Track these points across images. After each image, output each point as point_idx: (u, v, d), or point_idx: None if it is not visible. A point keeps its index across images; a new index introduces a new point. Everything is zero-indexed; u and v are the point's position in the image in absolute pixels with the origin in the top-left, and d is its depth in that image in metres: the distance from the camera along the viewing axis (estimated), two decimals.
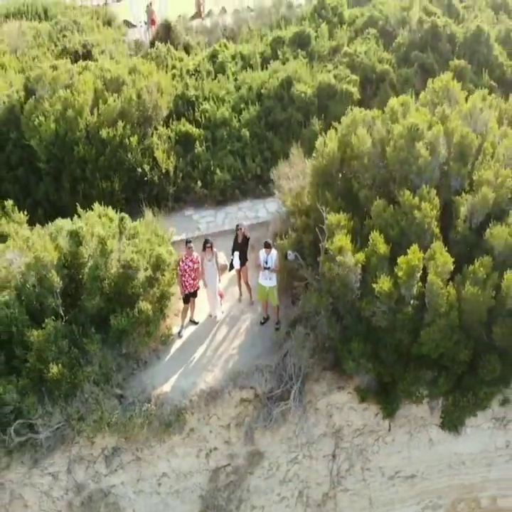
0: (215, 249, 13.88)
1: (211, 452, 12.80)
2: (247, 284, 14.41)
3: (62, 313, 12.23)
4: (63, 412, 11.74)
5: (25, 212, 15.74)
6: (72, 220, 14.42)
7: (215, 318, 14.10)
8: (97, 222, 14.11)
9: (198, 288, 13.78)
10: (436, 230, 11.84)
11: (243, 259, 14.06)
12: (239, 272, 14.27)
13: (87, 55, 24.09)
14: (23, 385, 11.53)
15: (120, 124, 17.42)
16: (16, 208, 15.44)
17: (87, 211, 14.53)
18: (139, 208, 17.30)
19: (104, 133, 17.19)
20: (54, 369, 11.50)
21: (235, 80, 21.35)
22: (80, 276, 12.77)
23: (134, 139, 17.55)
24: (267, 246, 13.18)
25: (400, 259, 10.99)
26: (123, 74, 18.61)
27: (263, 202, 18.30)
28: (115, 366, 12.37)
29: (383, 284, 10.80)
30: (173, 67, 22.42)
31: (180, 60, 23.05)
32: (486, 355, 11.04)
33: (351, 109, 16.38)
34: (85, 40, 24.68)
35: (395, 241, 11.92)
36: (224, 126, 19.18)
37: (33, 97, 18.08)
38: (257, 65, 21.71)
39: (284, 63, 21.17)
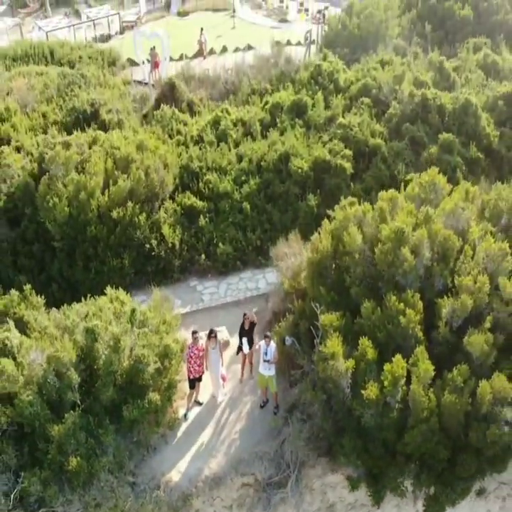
0: (218, 338, 15.11)
1: None
2: (251, 363, 15.66)
3: (79, 403, 13.45)
4: (81, 500, 12.97)
5: (40, 287, 17.05)
6: (85, 298, 15.80)
7: (217, 400, 15.32)
8: (109, 309, 15.38)
9: (203, 373, 15.02)
10: (420, 334, 13.08)
11: (250, 344, 15.30)
12: (244, 354, 15.52)
13: (95, 114, 25.32)
14: (46, 476, 12.75)
15: (129, 204, 18.66)
16: (33, 290, 16.59)
17: (99, 286, 15.88)
18: (147, 280, 18.63)
19: (114, 213, 18.45)
20: (73, 462, 12.72)
21: (236, 147, 22.57)
22: (95, 367, 14.00)
23: (142, 217, 18.82)
24: (267, 338, 14.41)
25: (386, 368, 12.24)
26: (132, 152, 19.82)
27: (263, 272, 19.58)
28: (127, 454, 13.61)
29: (371, 391, 12.05)
30: (178, 132, 23.65)
31: (185, 124, 24.27)
32: (463, 454, 12.27)
33: (344, 184, 17.72)
34: (93, 99, 25.80)
35: (382, 342, 13.16)
36: (226, 199, 20.43)
37: (47, 174, 19.28)
38: (256, 133, 22.92)
39: (282, 133, 22.41)
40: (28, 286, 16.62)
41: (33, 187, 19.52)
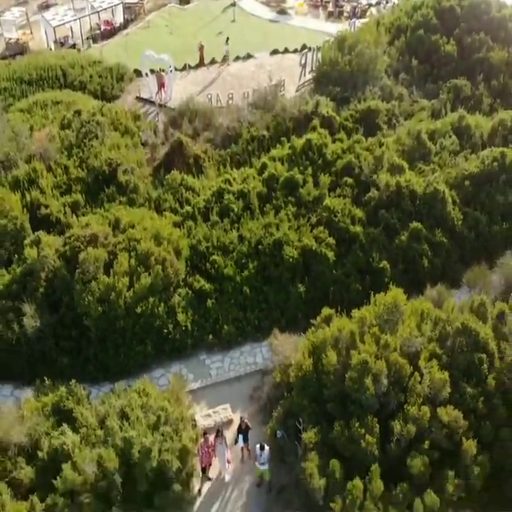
0: (224, 436, 19.72)
1: None
2: (248, 450, 20.33)
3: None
4: None
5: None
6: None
7: (224, 478, 20.11)
8: (137, 404, 19.89)
9: (212, 462, 19.74)
10: (376, 452, 17.66)
11: (246, 440, 19.90)
12: (242, 447, 20.19)
13: (113, 173, 28.94)
14: None
15: (150, 299, 22.80)
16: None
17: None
18: (166, 356, 23.12)
19: (139, 309, 22.61)
20: None
21: (238, 221, 26.36)
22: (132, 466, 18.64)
23: (161, 308, 23.02)
24: (262, 448, 18.99)
25: (349, 486, 16.91)
26: (150, 247, 23.68)
27: (260, 346, 23.89)
28: None
29: (337, 505, 16.77)
30: (187, 201, 27.40)
31: (192, 190, 27.94)
32: None
33: (328, 270, 22.26)
34: (110, 159, 29.32)
35: (347, 458, 17.80)
36: (229, 281, 24.48)
37: (80, 269, 23.23)
38: (255, 207, 26.68)
39: (277, 211, 26.20)
40: (73, 381, 21.05)
41: (68, 278, 23.52)
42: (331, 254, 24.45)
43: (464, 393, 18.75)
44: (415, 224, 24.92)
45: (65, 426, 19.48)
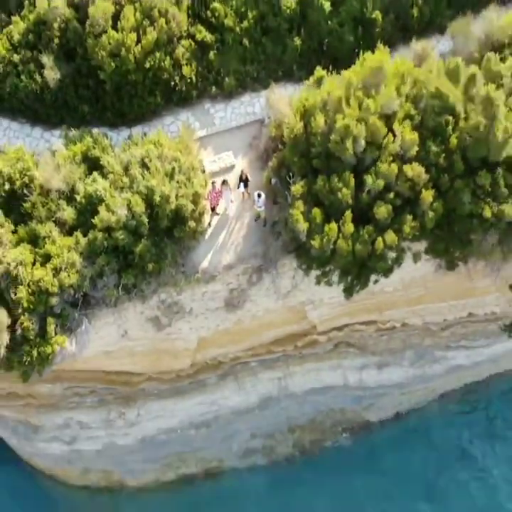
0: (228, 183, 23.84)
1: (229, 285, 25.11)
2: (248, 194, 24.62)
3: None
4: (157, 282, 23.64)
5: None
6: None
7: (228, 213, 24.81)
8: (154, 153, 23.68)
9: (218, 203, 24.22)
10: (350, 201, 21.90)
11: (245, 186, 24.05)
12: (242, 192, 24.46)
13: None
14: (136, 273, 23.09)
15: (157, 54, 24.91)
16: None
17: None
18: (174, 104, 26.19)
19: (147, 63, 24.88)
20: (150, 265, 22.92)
21: None
22: (155, 210, 22.97)
23: (167, 62, 25.25)
24: (259, 195, 23.19)
25: (326, 228, 21.55)
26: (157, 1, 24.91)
27: (258, 96, 26.62)
28: (179, 256, 23.77)
29: (316, 242, 21.58)
30: None
31: None
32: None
33: (323, 19, 24.39)
34: None
35: (327, 205, 22.18)
36: (229, 32, 26.13)
37: (89, 21, 24.84)
38: None
39: None
40: (96, 130, 24.46)
41: (79, 29, 25.26)
42: (327, 4, 25.64)
43: (429, 151, 22.22)
44: None
45: (95, 174, 23.38)
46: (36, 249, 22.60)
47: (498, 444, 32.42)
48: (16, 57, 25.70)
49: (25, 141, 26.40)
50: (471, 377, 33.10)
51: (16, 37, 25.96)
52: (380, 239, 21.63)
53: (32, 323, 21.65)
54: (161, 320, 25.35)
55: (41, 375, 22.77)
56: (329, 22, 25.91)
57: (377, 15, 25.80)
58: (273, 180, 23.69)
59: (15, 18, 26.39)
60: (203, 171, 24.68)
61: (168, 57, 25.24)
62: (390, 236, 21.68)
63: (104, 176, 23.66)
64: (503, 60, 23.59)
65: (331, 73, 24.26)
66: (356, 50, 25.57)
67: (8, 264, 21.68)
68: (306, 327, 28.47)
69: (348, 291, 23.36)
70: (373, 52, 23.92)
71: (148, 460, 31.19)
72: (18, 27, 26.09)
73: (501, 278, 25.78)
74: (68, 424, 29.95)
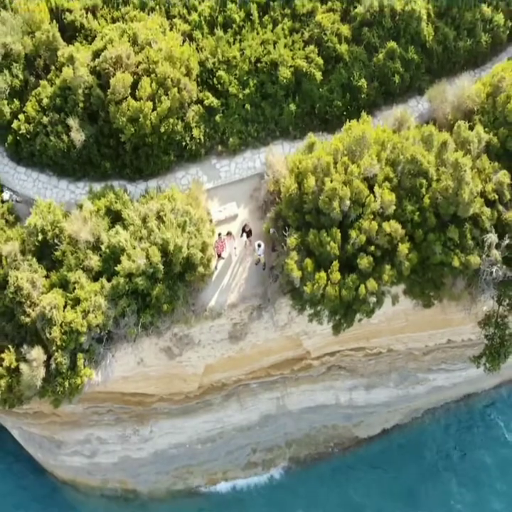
0: (232, 234, 27.52)
1: (232, 320, 28.76)
2: (250, 242, 28.25)
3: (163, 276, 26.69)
4: (170, 320, 27.32)
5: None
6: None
7: (231, 257, 28.46)
8: (167, 208, 27.34)
9: (224, 250, 27.88)
10: (337, 253, 25.52)
11: (248, 237, 27.64)
12: (245, 241, 28.13)
13: None
14: (153, 313, 26.71)
15: (171, 120, 28.57)
16: (124, 192, 28.34)
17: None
18: (185, 161, 29.86)
19: (162, 128, 28.54)
20: (164, 306, 26.60)
21: (240, 32, 30.63)
22: (169, 257, 26.62)
23: (179, 126, 28.93)
24: (259, 245, 26.85)
25: (317, 277, 25.17)
26: (167, 70, 28.49)
27: (258, 152, 30.29)
28: (189, 296, 27.45)
29: (308, 288, 25.21)
30: (194, 7, 31.19)
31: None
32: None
33: (315, 87, 28.08)
34: None
35: (318, 256, 25.83)
36: (233, 98, 29.81)
37: (111, 91, 28.51)
38: (255, 18, 30.62)
39: (275, 25, 30.38)
40: (121, 190, 28.15)
41: (102, 95, 28.87)
42: (318, 75, 29.30)
43: (405, 209, 25.87)
44: (391, 43, 29.28)
45: (117, 226, 27.03)
46: (67, 294, 26.18)
47: (477, 452, 36.05)
48: (45, 119, 29.29)
49: (52, 192, 30.04)
50: (450, 397, 36.66)
51: (45, 100, 29.52)
52: (362, 286, 25.25)
53: (64, 359, 25.24)
54: (173, 350, 29.00)
55: (71, 402, 26.38)
56: (320, 89, 29.60)
57: (362, 82, 29.42)
58: (271, 230, 27.34)
59: (43, 82, 30.05)
60: (211, 221, 28.32)
61: (180, 121, 28.87)
62: (371, 283, 25.31)
63: (125, 228, 27.29)
64: (471, 127, 27.11)
65: (322, 133, 27.96)
66: (344, 113, 29.31)
67: (44, 307, 25.24)
68: (301, 353, 32.07)
69: (336, 329, 26.98)
70: (359, 115, 27.76)
71: (159, 472, 34.76)
72: (45, 91, 29.75)
73: (471, 315, 29.27)
74: (88, 439, 33.50)
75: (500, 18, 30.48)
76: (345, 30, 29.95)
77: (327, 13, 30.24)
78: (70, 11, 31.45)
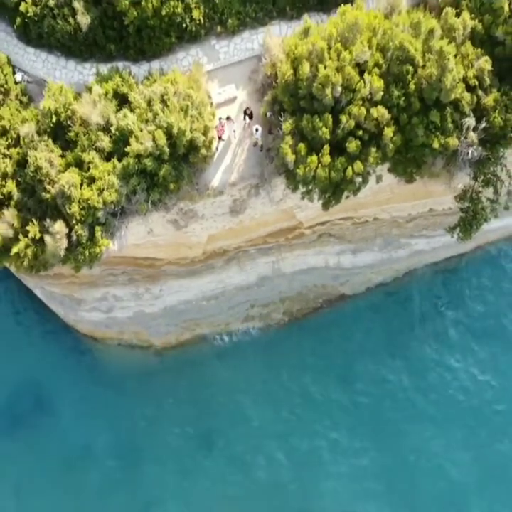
0: (232, 118, 29.72)
1: (232, 197, 31.77)
2: (249, 125, 30.50)
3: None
4: (177, 196, 30.31)
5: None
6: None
7: (231, 139, 30.87)
8: (171, 91, 29.43)
9: (224, 133, 30.20)
10: (327, 137, 27.98)
11: (250, 119, 29.87)
12: (244, 123, 30.37)
13: None
14: (160, 191, 29.65)
15: (172, 2, 29.71)
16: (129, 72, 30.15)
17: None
18: (186, 41, 31.40)
19: (163, 10, 29.71)
20: (171, 185, 29.44)
21: None
22: (174, 139, 29.03)
23: (180, 8, 30.01)
24: (257, 130, 29.14)
25: (309, 160, 27.81)
26: None
27: (256, 33, 31.66)
28: (193, 175, 30.22)
29: (300, 170, 27.94)
30: None
31: None
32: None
33: None
34: None
35: (310, 140, 28.31)
36: None
37: None
38: None
39: None
40: (127, 71, 30.00)
41: None
42: None
43: (392, 95, 27.94)
44: None
45: (125, 110, 29.17)
46: (82, 173, 28.90)
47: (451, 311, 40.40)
48: (51, 2, 30.29)
49: (61, 73, 31.74)
50: (429, 260, 40.54)
51: None
52: (350, 168, 27.98)
53: (84, 231, 28.50)
54: (179, 222, 32.24)
55: (91, 268, 30.03)
56: None
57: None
58: (268, 114, 29.53)
59: None
60: (211, 104, 30.38)
61: (180, 3, 30.00)
62: (358, 165, 28.04)
63: (132, 110, 29.42)
64: (459, 14, 28.47)
65: (319, 13, 29.89)
66: None
67: (63, 185, 28.09)
68: (294, 224, 35.38)
69: (326, 205, 30.03)
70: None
71: (170, 324, 39.34)
72: None
73: (451, 188, 32.19)
74: (105, 297, 37.67)
75: None
76: None
77: None
78: None
